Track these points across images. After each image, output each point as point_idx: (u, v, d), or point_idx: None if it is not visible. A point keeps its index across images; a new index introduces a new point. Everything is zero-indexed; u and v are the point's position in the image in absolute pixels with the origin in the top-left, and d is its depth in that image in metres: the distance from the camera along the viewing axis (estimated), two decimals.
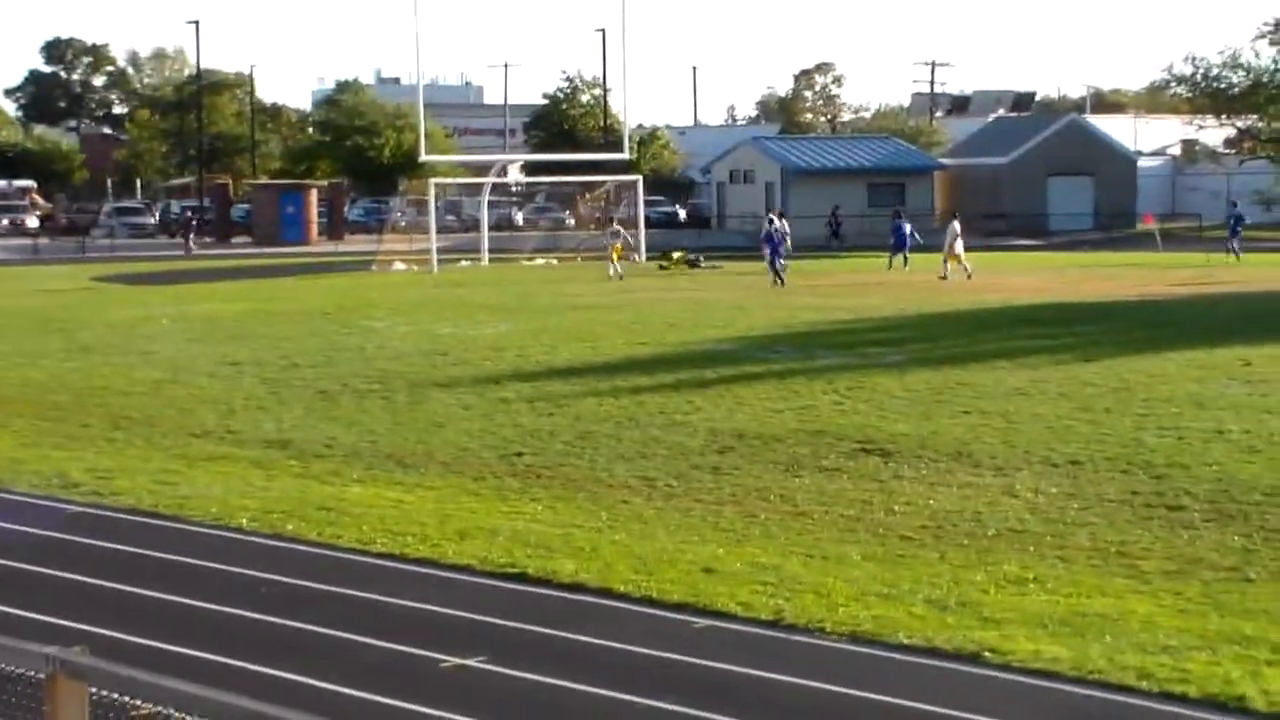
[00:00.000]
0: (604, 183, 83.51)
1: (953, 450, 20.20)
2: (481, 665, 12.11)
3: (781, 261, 50.95)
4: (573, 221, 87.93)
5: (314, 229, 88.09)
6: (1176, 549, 15.31)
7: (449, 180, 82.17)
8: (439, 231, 67.52)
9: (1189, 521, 16.33)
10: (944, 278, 51.12)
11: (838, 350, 30.47)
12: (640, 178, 73.17)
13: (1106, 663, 11.77)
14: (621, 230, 61.27)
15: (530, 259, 67.35)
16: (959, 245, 53.15)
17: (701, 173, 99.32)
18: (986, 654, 12.09)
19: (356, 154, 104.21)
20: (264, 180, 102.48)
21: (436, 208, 70.23)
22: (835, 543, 15.84)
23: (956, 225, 54.09)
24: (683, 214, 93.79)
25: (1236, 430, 20.82)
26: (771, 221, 53.33)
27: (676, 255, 63.41)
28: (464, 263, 65.39)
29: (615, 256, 57.41)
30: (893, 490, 18.21)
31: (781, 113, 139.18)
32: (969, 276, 50.59)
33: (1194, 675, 11.43)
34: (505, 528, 16.65)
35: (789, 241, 53.97)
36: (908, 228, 58.53)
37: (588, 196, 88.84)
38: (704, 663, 12.12)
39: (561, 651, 12.51)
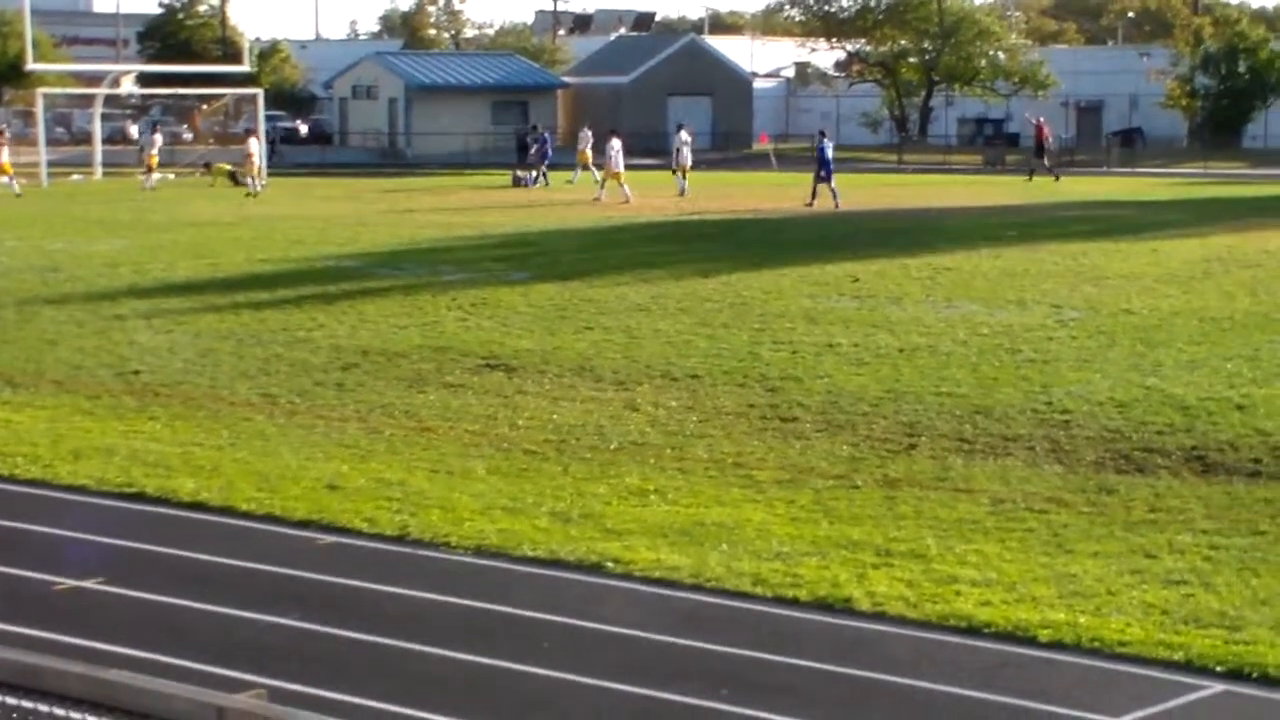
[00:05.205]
0: (223, 96, 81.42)
1: (576, 365, 20.47)
2: (98, 586, 11.83)
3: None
4: (190, 135, 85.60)
5: None
6: (789, 459, 15.87)
7: (58, 90, 78.81)
8: (48, 144, 64.93)
9: (801, 432, 16.93)
10: (598, 199, 49.04)
11: (463, 267, 30.48)
12: (261, 91, 71.57)
13: (724, 570, 12.15)
14: (159, 140, 63.67)
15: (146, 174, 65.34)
16: (619, 162, 51.49)
17: (324, 88, 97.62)
18: (609, 564, 12.35)
19: None
20: None
21: (45, 119, 67.51)
22: (460, 458, 15.93)
23: (616, 142, 52.64)
24: (304, 129, 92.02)
25: (846, 344, 21.61)
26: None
27: (225, 167, 62.40)
28: (75, 177, 63.14)
29: (152, 165, 58.98)
30: (517, 405, 18.38)
31: (405, 28, 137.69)
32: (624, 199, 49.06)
33: (805, 580, 11.89)
34: (122, 447, 16.26)
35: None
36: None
37: (206, 110, 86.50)
38: (329, 579, 12.08)
39: (182, 571, 12.30)
